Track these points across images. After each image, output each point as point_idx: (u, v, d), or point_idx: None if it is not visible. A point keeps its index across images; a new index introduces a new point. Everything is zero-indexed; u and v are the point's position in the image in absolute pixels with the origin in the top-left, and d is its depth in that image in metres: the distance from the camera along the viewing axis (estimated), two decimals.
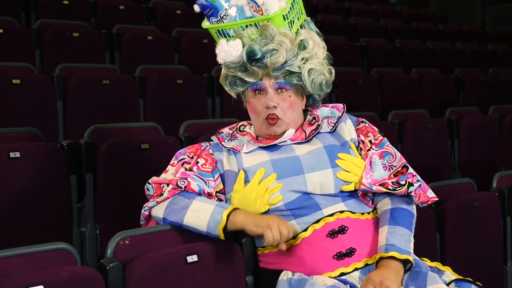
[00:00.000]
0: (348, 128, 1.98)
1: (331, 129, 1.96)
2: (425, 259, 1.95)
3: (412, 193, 1.87)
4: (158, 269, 1.71)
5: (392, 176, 1.91)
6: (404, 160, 1.95)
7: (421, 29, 7.84)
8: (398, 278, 1.74)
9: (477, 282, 1.85)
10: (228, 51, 1.88)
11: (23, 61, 3.78)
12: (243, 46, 1.88)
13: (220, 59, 1.92)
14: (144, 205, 1.91)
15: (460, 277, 1.86)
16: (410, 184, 1.87)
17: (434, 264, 1.93)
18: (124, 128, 3.16)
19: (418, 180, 1.90)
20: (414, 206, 1.94)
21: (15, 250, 1.63)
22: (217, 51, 1.92)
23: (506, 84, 6.13)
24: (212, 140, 2.02)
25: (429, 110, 4.86)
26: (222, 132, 2.02)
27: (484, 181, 3.39)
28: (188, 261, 1.76)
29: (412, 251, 1.83)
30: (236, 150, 1.95)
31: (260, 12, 1.90)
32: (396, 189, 1.86)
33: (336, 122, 1.97)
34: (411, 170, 1.92)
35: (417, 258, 1.91)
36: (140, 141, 2.84)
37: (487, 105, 5.15)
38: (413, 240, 1.86)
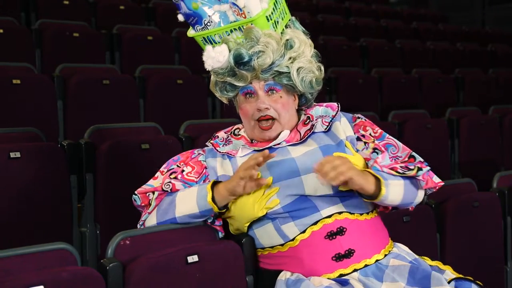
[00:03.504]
0: (343, 127, 1.96)
1: (326, 128, 1.95)
2: (425, 258, 1.95)
3: (420, 177, 1.88)
4: (158, 269, 1.71)
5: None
6: (408, 150, 1.95)
7: (421, 29, 7.84)
8: (360, 175, 1.77)
9: (477, 282, 1.85)
10: (215, 57, 1.88)
11: (23, 61, 3.77)
12: (229, 50, 1.88)
13: (207, 66, 1.92)
14: (139, 221, 1.94)
15: (461, 275, 1.86)
16: (419, 169, 1.88)
17: (434, 263, 1.93)
18: (124, 128, 3.15)
19: (427, 165, 1.91)
20: (420, 192, 1.93)
21: (15, 250, 1.63)
22: (204, 58, 1.92)
23: (506, 84, 6.13)
24: (207, 146, 2.02)
25: (429, 110, 4.86)
26: (217, 137, 2.02)
27: (484, 181, 3.39)
28: (189, 261, 1.76)
29: (390, 182, 1.82)
30: (231, 154, 1.94)
31: (243, 15, 1.90)
32: (406, 172, 1.86)
33: (331, 121, 1.96)
34: (419, 158, 1.92)
35: (418, 257, 1.91)
36: (140, 141, 2.84)
37: (487, 105, 5.15)
38: (400, 187, 1.85)
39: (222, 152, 1.95)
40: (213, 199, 1.81)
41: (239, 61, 1.86)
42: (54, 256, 1.68)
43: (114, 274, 1.67)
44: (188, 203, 1.84)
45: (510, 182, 3.05)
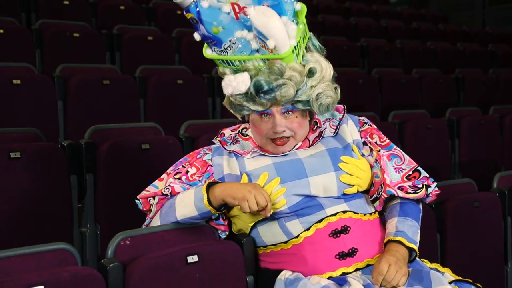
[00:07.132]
0: (350, 130, 1.98)
1: (334, 133, 1.96)
2: (424, 260, 1.95)
3: (430, 196, 1.95)
4: (158, 269, 1.71)
5: (404, 179, 1.93)
6: (414, 164, 1.97)
7: (422, 29, 7.83)
8: (405, 263, 1.79)
9: (477, 284, 1.85)
10: (237, 87, 1.81)
11: (24, 61, 3.77)
12: (251, 78, 1.81)
13: (227, 92, 1.85)
14: (142, 226, 1.94)
15: (460, 278, 1.86)
16: (428, 186, 1.93)
17: (433, 265, 1.93)
18: (124, 128, 3.15)
19: (433, 181, 1.96)
20: (421, 203, 1.99)
21: (15, 250, 1.64)
22: (224, 84, 1.85)
23: (507, 84, 6.13)
24: (214, 143, 2.02)
25: (430, 110, 4.86)
26: (224, 135, 2.01)
27: (485, 181, 3.39)
28: (189, 261, 1.76)
29: (418, 243, 1.87)
30: (238, 153, 1.94)
31: (269, 50, 1.81)
32: (416, 192, 1.91)
33: (338, 124, 1.97)
34: (424, 174, 1.96)
35: (418, 259, 1.92)
36: (141, 141, 2.83)
37: (487, 105, 5.15)
38: (419, 233, 1.91)
39: (230, 151, 1.95)
40: (209, 201, 1.80)
41: (260, 91, 1.81)
42: (54, 256, 1.68)
43: (114, 274, 1.67)
44: (187, 205, 1.83)
45: (510, 182, 3.05)
